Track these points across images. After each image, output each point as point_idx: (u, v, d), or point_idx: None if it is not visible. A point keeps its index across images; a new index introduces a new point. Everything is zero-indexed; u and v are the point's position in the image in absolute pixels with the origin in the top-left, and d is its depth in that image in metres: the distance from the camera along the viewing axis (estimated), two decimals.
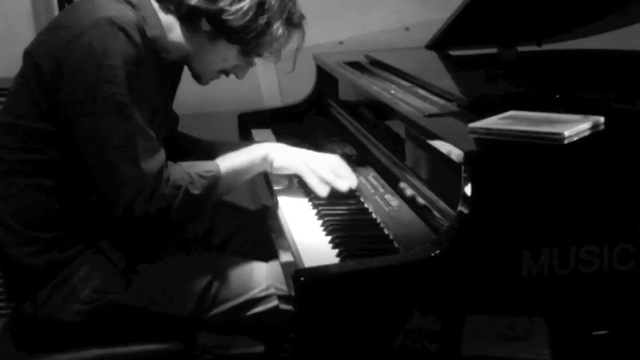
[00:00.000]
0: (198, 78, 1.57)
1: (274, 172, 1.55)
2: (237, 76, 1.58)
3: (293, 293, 1.13)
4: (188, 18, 1.46)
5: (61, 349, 1.42)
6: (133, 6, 1.41)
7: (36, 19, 2.20)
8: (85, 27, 1.34)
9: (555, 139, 1.15)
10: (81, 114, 1.34)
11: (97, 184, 1.36)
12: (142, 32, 1.38)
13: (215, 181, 1.42)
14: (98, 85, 1.32)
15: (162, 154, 1.37)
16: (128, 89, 1.33)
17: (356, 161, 1.69)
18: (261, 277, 1.50)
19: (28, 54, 1.42)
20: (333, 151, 1.82)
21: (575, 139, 1.17)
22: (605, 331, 1.19)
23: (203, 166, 1.43)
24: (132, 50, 1.34)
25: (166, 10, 1.46)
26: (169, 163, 1.39)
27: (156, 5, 1.46)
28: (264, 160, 1.52)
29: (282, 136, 2.01)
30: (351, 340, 1.14)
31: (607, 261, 1.16)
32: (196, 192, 1.38)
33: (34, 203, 1.41)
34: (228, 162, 1.47)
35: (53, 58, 1.35)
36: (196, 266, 1.49)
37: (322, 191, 1.49)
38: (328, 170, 1.52)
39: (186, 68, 1.59)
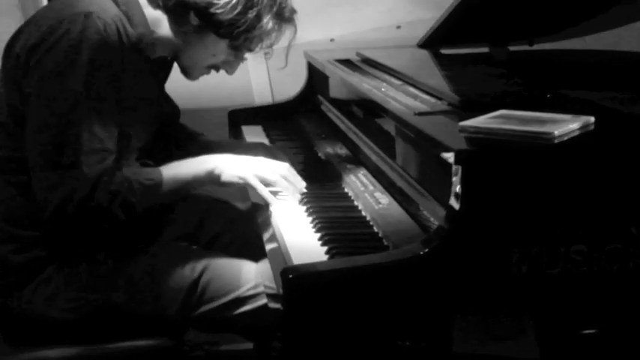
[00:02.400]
0: (187, 73, 1.56)
1: (223, 186, 1.50)
2: (227, 72, 1.57)
3: (281, 291, 1.13)
4: (176, 12, 1.44)
5: (47, 346, 1.41)
6: (116, 3, 1.40)
7: (24, 12, 2.18)
8: (61, 20, 1.33)
9: (545, 139, 1.15)
10: (34, 104, 1.32)
11: (32, 177, 1.34)
12: (123, 29, 1.36)
13: (155, 189, 1.40)
14: (57, 78, 1.30)
15: (108, 160, 1.34)
16: (88, 86, 1.31)
17: (346, 159, 1.69)
18: (249, 275, 1.49)
19: (8, 47, 1.41)
20: (322, 149, 1.82)
21: (565, 138, 1.17)
22: (593, 330, 1.19)
23: (145, 174, 1.41)
24: (104, 47, 1.32)
25: (154, 4, 1.45)
26: (114, 168, 1.36)
27: (142, 1, 1.45)
28: (210, 174, 1.47)
29: (272, 133, 2.00)
30: (339, 338, 1.14)
31: (596, 260, 1.16)
32: (134, 199, 1.36)
33: (16, 201, 1.40)
34: (173, 172, 1.44)
35: (28, 49, 1.34)
36: (184, 264, 1.48)
37: (273, 201, 1.47)
38: (278, 177, 1.49)
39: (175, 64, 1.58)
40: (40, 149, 1.33)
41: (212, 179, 1.47)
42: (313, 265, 1.16)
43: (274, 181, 1.48)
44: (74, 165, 1.31)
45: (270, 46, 1.51)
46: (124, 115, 1.40)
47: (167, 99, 1.68)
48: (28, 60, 1.33)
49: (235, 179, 1.47)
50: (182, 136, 1.74)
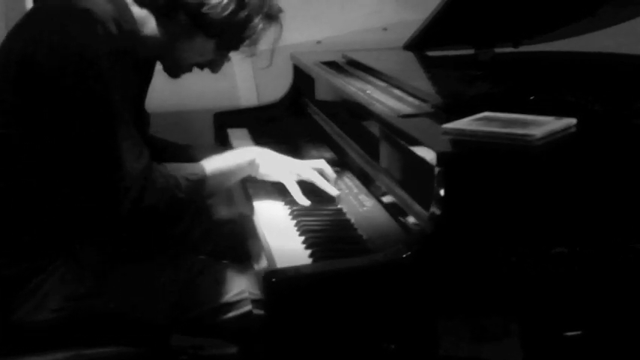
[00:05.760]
0: (171, 72, 1.53)
1: (259, 178, 1.53)
2: (212, 71, 1.55)
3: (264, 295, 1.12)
4: (165, 12, 1.41)
5: (34, 353, 1.39)
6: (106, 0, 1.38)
7: (7, 13, 2.16)
8: (62, 23, 1.30)
9: (527, 141, 1.15)
10: (60, 114, 1.29)
11: (79, 191, 1.32)
12: (119, 26, 1.35)
13: (201, 184, 1.40)
14: (80, 83, 1.28)
15: (146, 155, 1.34)
16: (111, 85, 1.29)
17: (331, 161, 1.68)
18: (234, 281, 1.47)
19: (1, 54, 1.37)
20: (308, 151, 1.82)
21: (547, 140, 1.17)
22: (577, 332, 1.19)
23: (189, 169, 1.41)
24: (111, 44, 1.30)
25: (140, 3, 1.42)
26: (154, 164, 1.36)
27: None
28: (251, 164, 1.50)
29: (258, 136, 2.00)
30: (323, 341, 1.13)
31: (579, 261, 1.16)
32: (181, 195, 1.36)
33: (5, 216, 1.37)
34: (215, 165, 1.45)
35: (29, 59, 1.30)
36: (170, 270, 1.47)
37: (304, 201, 1.48)
38: (317, 174, 1.51)
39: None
40: (80, 162, 1.31)
41: (252, 169, 1.51)
42: (296, 268, 1.15)
43: (313, 181, 1.49)
44: (118, 168, 1.29)
45: (255, 44, 1.50)
46: None
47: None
48: (34, 69, 1.29)
49: (272, 172, 1.51)
50: (156, 145, 1.72)
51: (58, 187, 1.35)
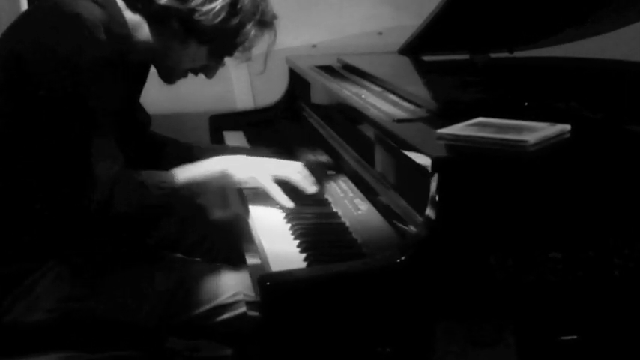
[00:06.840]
0: (165, 77, 1.54)
1: (237, 187, 1.52)
2: (206, 76, 1.56)
3: (259, 299, 1.13)
4: (157, 18, 1.43)
5: (25, 353, 1.39)
6: (98, 4, 1.39)
7: (2, 16, 2.17)
8: (50, 25, 1.31)
9: (520, 147, 1.16)
10: (42, 113, 1.31)
11: (46, 186, 1.33)
12: (109, 31, 1.35)
13: (171, 192, 1.40)
14: (62, 86, 1.29)
15: (118, 161, 1.34)
16: (92, 90, 1.30)
17: (327, 165, 1.69)
18: (229, 282, 1.48)
19: None
20: (303, 154, 1.82)
21: (541, 146, 1.18)
22: (573, 336, 1.20)
23: (159, 177, 1.40)
24: (98, 50, 1.31)
25: (133, 8, 1.43)
26: (127, 172, 1.35)
27: (122, 4, 1.43)
28: (223, 175, 1.48)
29: (253, 139, 2.00)
30: (317, 344, 1.14)
31: (574, 267, 1.17)
32: (151, 202, 1.37)
33: None
34: (186, 175, 1.44)
35: (15, 58, 1.32)
36: (164, 272, 1.47)
37: (286, 202, 1.47)
38: (295, 173, 1.50)
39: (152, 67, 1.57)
40: (54, 164, 1.31)
41: (225, 180, 1.48)
42: (290, 272, 1.15)
43: (288, 177, 1.48)
44: (88, 173, 1.30)
45: (249, 50, 1.50)
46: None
47: (140, 106, 1.67)
48: (22, 71, 1.31)
49: (247, 179, 1.48)
50: (158, 142, 1.73)
51: (43, 188, 1.36)
